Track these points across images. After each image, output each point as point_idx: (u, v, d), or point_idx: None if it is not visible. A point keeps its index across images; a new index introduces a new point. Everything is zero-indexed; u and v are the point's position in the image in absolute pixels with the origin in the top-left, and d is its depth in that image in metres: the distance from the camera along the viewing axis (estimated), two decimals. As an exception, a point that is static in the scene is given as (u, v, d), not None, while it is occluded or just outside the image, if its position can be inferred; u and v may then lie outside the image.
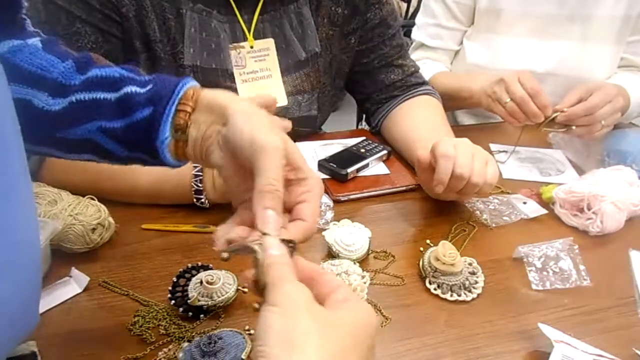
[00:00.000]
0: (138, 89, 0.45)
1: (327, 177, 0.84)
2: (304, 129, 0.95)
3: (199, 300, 0.57)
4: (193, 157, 0.45)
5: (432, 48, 1.16)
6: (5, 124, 0.33)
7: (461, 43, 1.16)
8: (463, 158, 0.69)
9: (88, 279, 0.61)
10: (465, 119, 1.18)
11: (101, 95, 0.44)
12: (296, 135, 0.71)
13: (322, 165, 0.85)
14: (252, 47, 0.81)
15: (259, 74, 0.84)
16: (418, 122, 0.91)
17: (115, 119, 0.44)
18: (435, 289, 0.63)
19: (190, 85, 0.45)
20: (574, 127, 0.90)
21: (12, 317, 0.36)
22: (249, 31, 0.81)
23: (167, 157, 0.44)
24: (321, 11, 0.85)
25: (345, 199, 0.80)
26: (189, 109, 0.43)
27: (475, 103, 1.00)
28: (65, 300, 0.59)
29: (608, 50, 1.07)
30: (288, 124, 0.66)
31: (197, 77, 0.79)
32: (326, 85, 0.93)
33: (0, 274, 0.33)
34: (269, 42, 0.82)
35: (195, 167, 0.72)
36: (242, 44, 0.81)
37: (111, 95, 0.44)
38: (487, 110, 0.99)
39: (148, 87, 0.45)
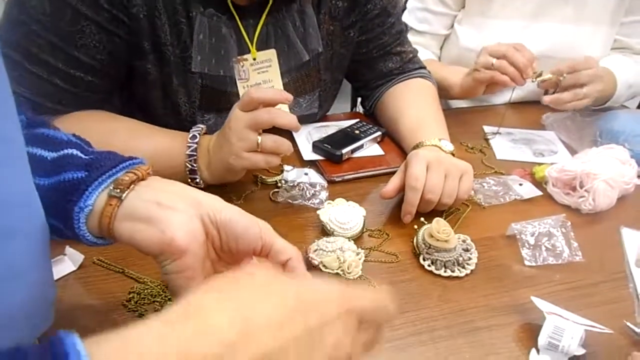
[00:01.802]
0: (79, 154, 0.44)
1: (321, 158, 0.84)
2: (303, 124, 0.94)
3: (194, 277, 0.57)
4: (120, 232, 0.41)
5: (420, 32, 1.16)
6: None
7: (451, 27, 1.16)
8: (433, 181, 0.69)
9: (83, 256, 0.61)
10: (458, 102, 1.18)
11: (39, 152, 0.43)
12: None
13: (317, 146, 0.85)
14: (254, 59, 0.80)
15: (262, 86, 0.83)
16: (407, 103, 0.90)
17: (44, 177, 0.41)
18: (429, 265, 0.64)
19: (144, 165, 0.44)
20: (563, 77, 0.90)
21: (28, 318, 0.36)
22: (253, 39, 0.79)
23: (82, 229, 0.41)
24: (322, 6, 0.83)
25: (340, 179, 0.80)
26: (139, 175, 0.42)
27: (456, 95, 1.01)
28: (60, 278, 0.59)
29: (602, 32, 1.07)
30: (289, 96, 0.67)
31: (205, 83, 0.79)
32: (327, 82, 0.91)
33: (15, 277, 0.34)
34: (271, 54, 0.81)
35: (190, 146, 0.71)
36: (245, 56, 0.79)
37: (49, 154, 0.43)
38: (473, 91, 0.99)
39: (91, 156, 0.43)
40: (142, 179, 0.43)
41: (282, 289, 0.31)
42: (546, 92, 0.94)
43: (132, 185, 0.41)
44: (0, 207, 0.33)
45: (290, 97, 0.68)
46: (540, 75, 0.92)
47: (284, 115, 0.67)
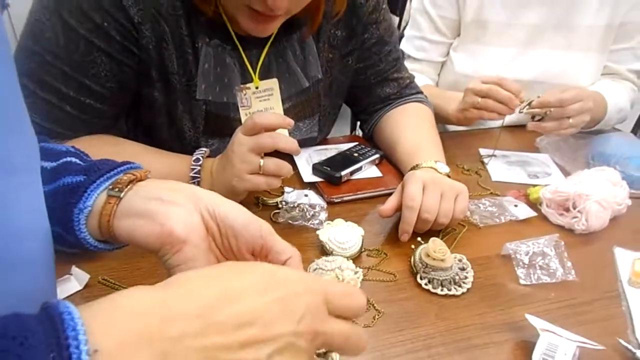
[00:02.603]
0: (78, 161, 0.45)
1: (321, 180, 0.86)
2: (303, 148, 0.96)
3: None
4: (120, 229, 0.42)
5: (417, 60, 1.20)
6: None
7: (447, 54, 1.20)
8: (430, 201, 0.71)
9: (88, 276, 0.63)
10: (454, 126, 1.21)
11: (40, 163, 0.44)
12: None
13: (317, 168, 0.87)
14: (257, 87, 0.83)
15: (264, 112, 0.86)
16: (404, 127, 0.93)
17: (44, 185, 0.41)
18: (426, 284, 0.65)
19: (142, 169, 0.46)
20: (551, 110, 0.92)
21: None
22: (256, 68, 0.83)
23: (83, 231, 0.42)
24: (322, 36, 0.87)
25: (339, 200, 0.82)
26: (137, 175, 0.44)
27: (453, 122, 1.04)
28: (65, 298, 0.61)
29: (592, 59, 1.11)
30: (290, 122, 0.69)
31: (209, 109, 0.82)
32: (327, 107, 0.94)
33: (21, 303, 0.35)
34: (273, 82, 0.84)
35: (193, 168, 0.74)
36: (248, 85, 0.82)
37: (49, 164, 0.45)
38: (467, 123, 1.02)
39: (88, 163, 0.45)
40: (141, 179, 0.44)
41: (260, 266, 0.34)
42: (533, 117, 0.97)
43: (131, 185, 0.43)
44: (14, 238, 0.34)
45: (291, 122, 0.71)
46: (529, 104, 0.95)
47: (285, 139, 0.70)
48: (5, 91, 0.35)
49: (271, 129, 0.70)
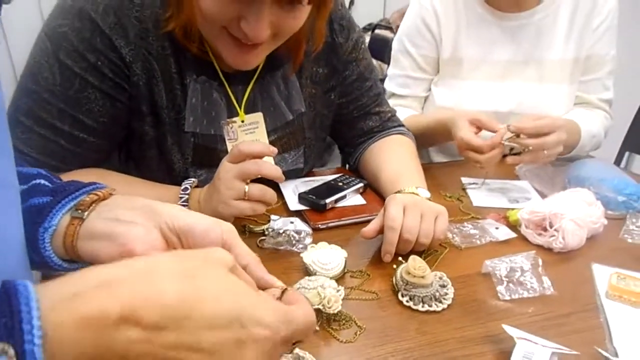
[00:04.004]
0: (46, 183, 0.48)
1: (307, 208, 0.89)
2: (290, 180, 1.00)
3: None
4: (84, 251, 0.44)
5: (402, 96, 1.26)
6: None
7: (429, 90, 1.26)
8: (410, 222, 0.74)
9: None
10: (438, 157, 1.25)
11: None
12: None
13: (302, 197, 0.90)
14: (242, 121, 0.88)
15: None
16: (386, 156, 0.97)
17: None
18: (407, 301, 0.67)
19: (107, 187, 0.48)
20: (530, 148, 0.96)
21: None
22: (241, 103, 0.88)
23: (47, 249, 0.44)
24: (304, 72, 0.92)
25: (324, 226, 0.85)
26: (100, 195, 0.46)
27: (446, 132, 1.06)
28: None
29: (563, 90, 1.17)
30: (274, 150, 0.73)
31: (197, 141, 0.86)
32: (311, 139, 0.98)
33: None
34: (258, 116, 0.89)
35: (181, 197, 0.77)
36: (234, 119, 0.87)
37: (20, 187, 0.46)
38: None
39: (56, 185, 0.47)
40: (104, 199, 0.46)
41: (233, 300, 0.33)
42: (510, 150, 1.00)
43: (93, 205, 0.45)
44: (7, 249, 0.36)
45: (275, 150, 0.74)
46: (512, 149, 0.99)
47: (268, 166, 0.73)
48: None
49: (256, 157, 0.73)
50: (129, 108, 0.81)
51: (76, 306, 0.28)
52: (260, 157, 0.73)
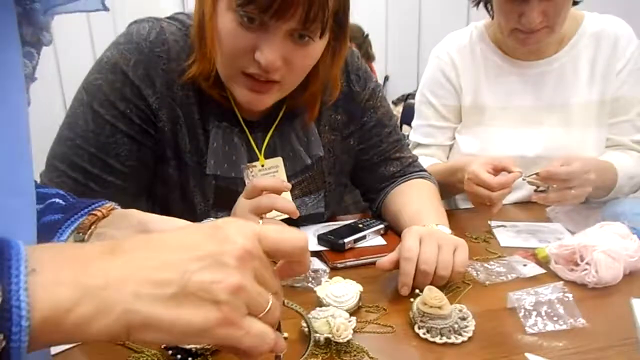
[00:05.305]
0: (60, 201, 0.51)
1: (326, 248, 0.88)
2: (311, 224, 1.01)
3: (188, 344, 0.59)
4: None
5: (426, 145, 1.26)
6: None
7: (453, 138, 1.26)
8: (427, 253, 0.72)
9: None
10: (464, 204, 1.22)
11: None
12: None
13: (321, 238, 0.89)
14: (262, 165, 0.92)
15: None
16: (408, 198, 0.96)
17: None
18: (424, 334, 0.63)
19: (108, 204, 0.51)
20: (554, 186, 0.92)
21: None
22: (261, 149, 0.92)
23: None
24: (322, 120, 0.96)
25: (342, 266, 0.83)
26: (99, 215, 0.49)
27: (461, 177, 1.04)
28: (59, 352, 0.62)
29: (591, 133, 1.14)
30: (288, 185, 0.74)
31: (219, 184, 0.89)
32: (332, 184, 1.00)
33: None
34: (278, 160, 0.92)
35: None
36: (254, 163, 0.90)
37: (38, 207, 0.49)
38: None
39: (69, 202, 0.51)
40: (104, 217, 0.48)
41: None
42: (537, 188, 0.97)
43: (93, 227, 0.47)
44: None
45: (288, 185, 0.76)
46: (537, 174, 0.96)
47: (282, 200, 0.74)
48: (22, 126, 0.41)
49: (270, 190, 0.75)
50: (155, 152, 0.85)
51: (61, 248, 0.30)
52: (274, 190, 0.75)
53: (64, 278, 0.29)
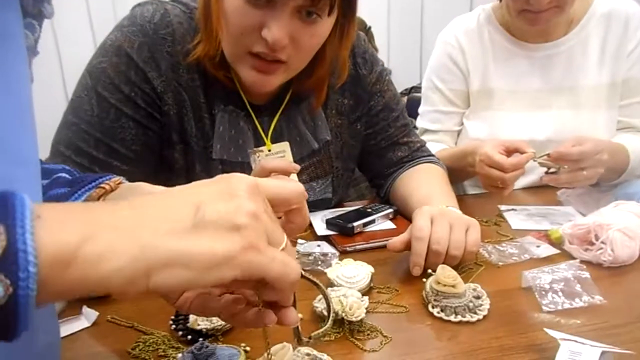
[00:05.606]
0: (66, 176, 0.50)
1: (334, 233, 0.87)
2: (318, 210, 0.99)
3: (198, 325, 0.58)
4: None
5: (434, 131, 1.25)
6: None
7: (461, 124, 1.24)
8: (439, 233, 0.70)
9: (97, 314, 0.63)
10: (473, 190, 1.21)
11: None
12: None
13: (330, 222, 0.88)
14: (269, 150, 0.90)
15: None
16: (417, 182, 0.94)
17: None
18: (438, 312, 0.62)
19: (116, 178, 0.50)
20: (565, 167, 0.91)
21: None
22: (268, 133, 0.91)
23: None
24: (329, 104, 0.95)
25: (352, 249, 0.82)
26: (107, 188, 0.48)
27: (472, 161, 1.03)
28: (73, 333, 0.61)
29: (601, 115, 1.12)
30: (296, 166, 0.73)
31: (225, 169, 0.88)
32: (339, 169, 0.99)
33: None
34: (285, 145, 0.91)
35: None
36: (261, 148, 0.89)
37: (44, 181, 0.49)
38: None
39: (74, 177, 0.50)
40: (112, 190, 0.47)
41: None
42: (547, 170, 0.96)
43: (101, 199, 0.46)
44: None
45: (297, 167, 0.74)
46: (548, 154, 0.94)
47: (289, 181, 0.73)
48: (24, 96, 0.40)
49: (278, 172, 0.73)
50: (160, 136, 0.84)
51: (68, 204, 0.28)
52: (282, 172, 0.73)
53: (72, 219, 0.28)
